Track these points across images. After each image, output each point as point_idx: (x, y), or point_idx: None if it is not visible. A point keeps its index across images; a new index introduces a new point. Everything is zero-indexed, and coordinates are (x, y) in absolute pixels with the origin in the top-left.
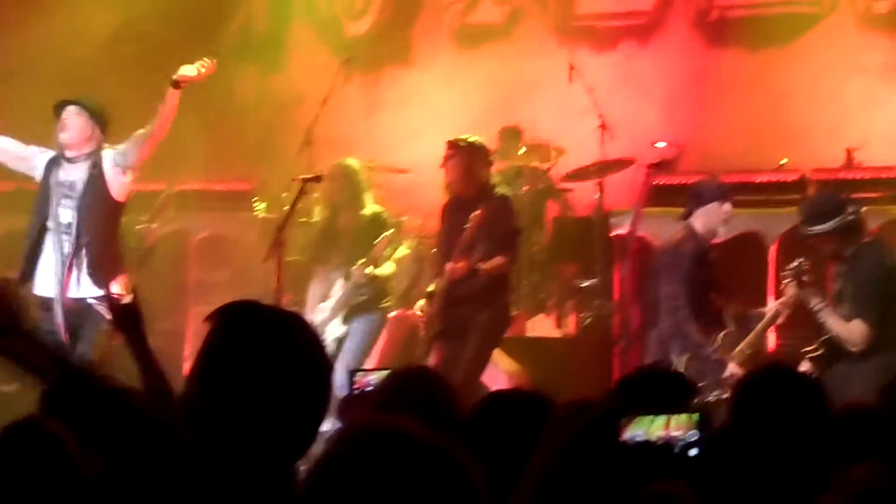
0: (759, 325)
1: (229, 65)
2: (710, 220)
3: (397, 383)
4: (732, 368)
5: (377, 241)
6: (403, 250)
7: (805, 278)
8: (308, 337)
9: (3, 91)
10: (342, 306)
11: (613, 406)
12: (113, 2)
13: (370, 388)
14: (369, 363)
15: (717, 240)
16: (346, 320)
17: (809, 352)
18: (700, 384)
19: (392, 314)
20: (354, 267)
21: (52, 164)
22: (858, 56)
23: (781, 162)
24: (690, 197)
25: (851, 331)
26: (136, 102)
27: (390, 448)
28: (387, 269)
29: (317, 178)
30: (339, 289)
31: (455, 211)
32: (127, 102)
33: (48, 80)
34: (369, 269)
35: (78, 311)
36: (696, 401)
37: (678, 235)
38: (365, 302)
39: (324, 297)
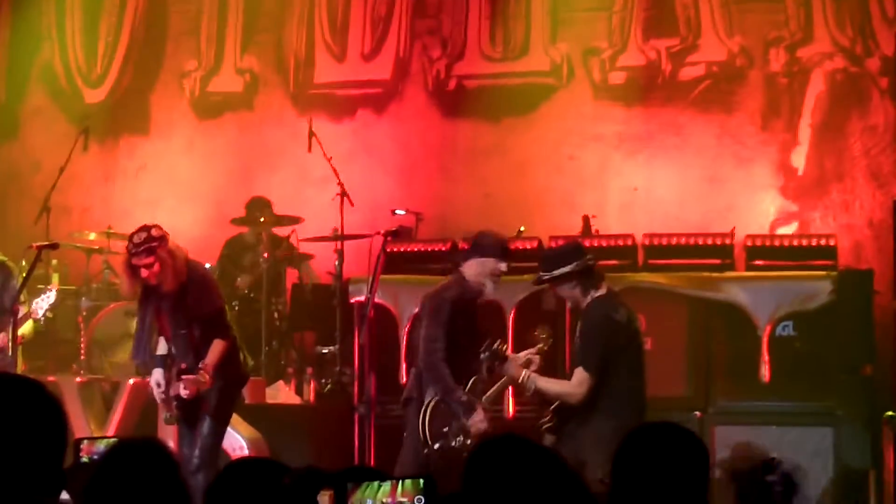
0: (507, 375)
1: None
2: (482, 272)
3: (122, 453)
4: (478, 416)
5: None
6: None
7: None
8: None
9: None
10: None
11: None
12: None
13: (96, 457)
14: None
15: (485, 294)
16: None
17: (544, 423)
18: (445, 428)
19: (130, 382)
20: None
21: None
22: (594, 125)
23: (519, 230)
24: (471, 246)
25: (568, 384)
26: None
27: None
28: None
29: (53, 246)
30: None
31: (154, 297)
32: None
33: None
34: None
35: None
36: (438, 445)
37: (446, 282)
38: None
39: None
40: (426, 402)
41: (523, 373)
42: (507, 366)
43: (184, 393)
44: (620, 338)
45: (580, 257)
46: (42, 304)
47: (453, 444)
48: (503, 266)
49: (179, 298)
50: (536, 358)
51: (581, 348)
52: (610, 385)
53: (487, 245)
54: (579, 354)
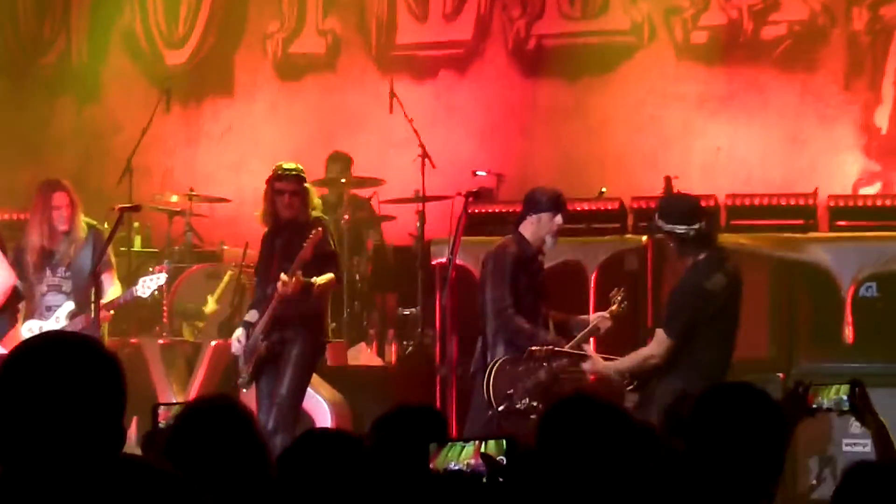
0: (581, 334)
1: (46, 96)
2: (540, 228)
3: (197, 415)
4: (543, 375)
5: None
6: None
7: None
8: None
9: None
10: None
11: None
12: None
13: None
14: (190, 394)
15: (545, 249)
16: None
17: (626, 385)
18: (510, 391)
19: (212, 343)
20: None
21: None
22: (676, 85)
23: (601, 191)
24: (525, 203)
25: (646, 348)
26: None
27: None
28: None
29: (136, 208)
30: None
31: (275, 239)
32: None
33: None
34: None
35: None
36: (503, 407)
37: (503, 241)
38: None
39: None
40: (490, 364)
41: (603, 366)
42: (588, 363)
43: (280, 287)
44: (709, 307)
45: (693, 222)
46: (150, 283)
47: (518, 405)
48: (559, 219)
49: (300, 237)
50: (608, 321)
51: (667, 310)
52: (689, 353)
53: (541, 201)
54: (664, 315)
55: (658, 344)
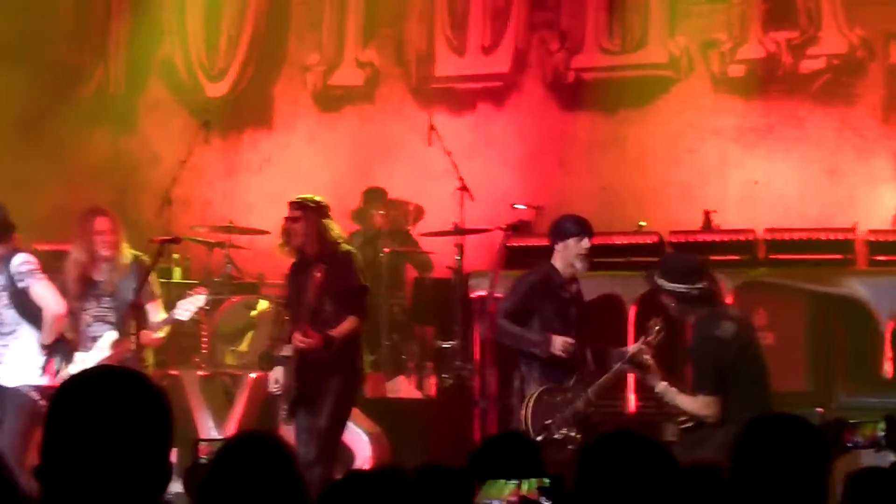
0: (619, 365)
1: (84, 126)
2: (568, 254)
3: (238, 451)
4: (581, 405)
5: None
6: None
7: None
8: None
9: None
10: None
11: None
12: None
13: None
14: (229, 426)
15: (577, 274)
16: None
17: (681, 422)
18: (548, 421)
19: (251, 376)
20: None
21: None
22: (713, 118)
23: (640, 224)
24: (551, 234)
25: (697, 405)
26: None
27: None
28: None
29: (175, 240)
30: None
31: (302, 272)
32: None
33: None
34: None
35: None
36: (542, 437)
37: (530, 270)
38: None
39: None
40: (528, 396)
41: (661, 385)
42: (648, 376)
43: (297, 340)
44: (727, 353)
45: (688, 282)
46: (188, 306)
47: (556, 436)
48: (586, 242)
49: (323, 270)
50: (646, 349)
51: (696, 370)
52: (730, 395)
53: (565, 227)
54: (696, 376)
55: (706, 406)
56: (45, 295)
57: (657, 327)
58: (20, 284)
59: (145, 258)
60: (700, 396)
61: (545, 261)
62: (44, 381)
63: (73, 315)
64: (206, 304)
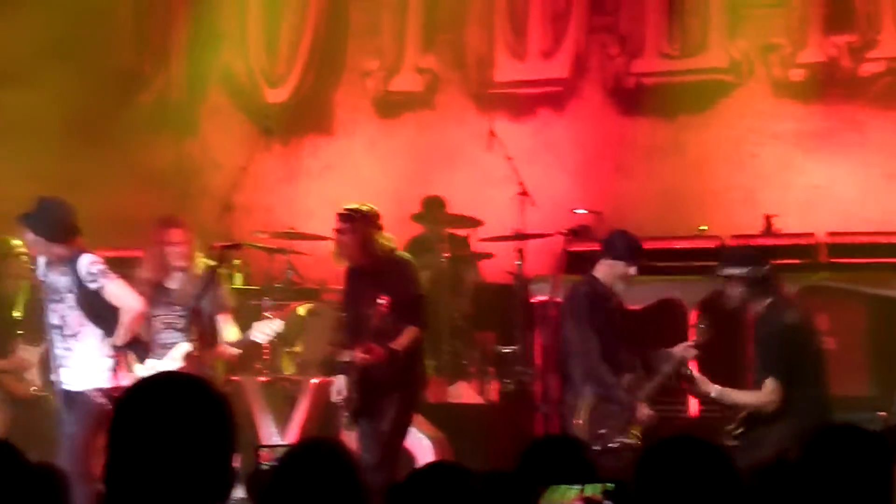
0: (666, 367)
1: (145, 132)
2: (613, 273)
3: (300, 457)
4: (639, 412)
5: None
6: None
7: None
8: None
9: None
10: None
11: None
12: (33, 75)
13: (276, 463)
14: (291, 432)
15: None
16: None
17: (731, 429)
18: (603, 430)
19: (313, 381)
20: None
21: (46, 267)
22: (773, 123)
23: (700, 228)
24: (604, 244)
25: (761, 394)
26: (61, 166)
27: None
28: None
29: (236, 246)
30: None
31: (357, 278)
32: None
33: None
34: None
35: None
36: (599, 446)
37: (577, 281)
38: None
39: None
40: (584, 405)
41: (716, 389)
42: (697, 385)
43: (357, 356)
44: (795, 339)
45: (754, 264)
46: (266, 329)
47: (612, 444)
48: (632, 270)
49: (376, 281)
50: (693, 351)
51: (764, 356)
52: (792, 392)
53: (619, 247)
54: (763, 363)
55: (771, 392)
56: (122, 293)
57: (702, 326)
58: (93, 285)
59: (220, 268)
60: (767, 382)
61: (588, 270)
62: (109, 383)
63: (145, 321)
64: (282, 329)
